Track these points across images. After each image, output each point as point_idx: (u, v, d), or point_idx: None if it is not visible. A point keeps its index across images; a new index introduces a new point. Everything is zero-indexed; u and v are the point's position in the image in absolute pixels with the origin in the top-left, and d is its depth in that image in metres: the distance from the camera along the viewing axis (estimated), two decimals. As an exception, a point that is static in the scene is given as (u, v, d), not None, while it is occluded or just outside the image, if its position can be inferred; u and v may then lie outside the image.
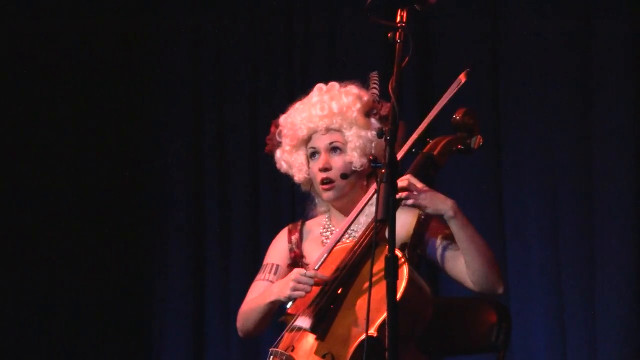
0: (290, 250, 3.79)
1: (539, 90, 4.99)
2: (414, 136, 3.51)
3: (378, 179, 3.05)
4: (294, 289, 3.47)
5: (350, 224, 3.57)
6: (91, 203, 5.81)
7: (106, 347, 5.82)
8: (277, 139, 3.81)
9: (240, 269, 5.69)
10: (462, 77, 3.51)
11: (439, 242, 3.56)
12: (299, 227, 3.82)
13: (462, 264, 3.51)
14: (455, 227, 3.47)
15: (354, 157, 3.67)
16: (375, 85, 3.79)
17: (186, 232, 5.87)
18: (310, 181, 3.79)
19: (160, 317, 5.87)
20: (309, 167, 3.75)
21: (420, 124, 3.52)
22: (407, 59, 3.13)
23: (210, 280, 5.81)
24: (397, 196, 3.20)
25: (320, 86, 3.78)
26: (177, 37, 5.97)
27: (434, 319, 3.47)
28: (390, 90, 3.08)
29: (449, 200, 3.46)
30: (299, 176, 3.78)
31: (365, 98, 3.73)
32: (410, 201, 3.41)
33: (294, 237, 3.80)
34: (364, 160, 3.68)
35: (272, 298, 3.55)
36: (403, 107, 4.87)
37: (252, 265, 5.56)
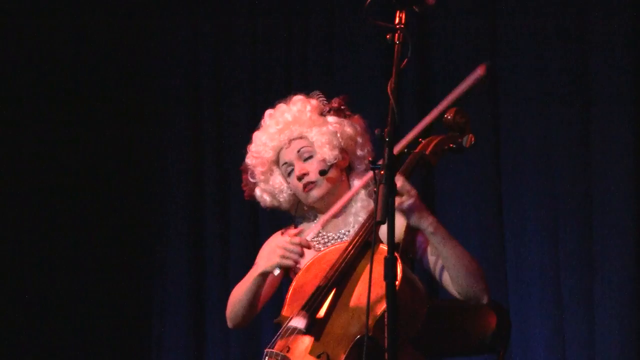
0: None
1: (538, 91, 4.99)
2: (419, 129, 3.51)
3: (377, 180, 3.05)
4: (283, 257, 3.53)
5: (339, 208, 3.61)
6: (91, 203, 5.82)
7: (106, 347, 5.82)
8: (251, 180, 3.84)
9: (239, 270, 5.65)
10: (480, 70, 3.48)
11: (428, 249, 3.58)
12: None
13: (447, 273, 3.53)
14: (435, 242, 3.49)
15: (325, 153, 3.70)
16: (320, 94, 3.83)
17: (186, 233, 5.88)
18: (296, 199, 3.79)
19: (160, 317, 5.87)
20: (288, 184, 3.76)
21: (421, 120, 3.52)
22: (405, 60, 3.13)
23: (210, 280, 5.81)
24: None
25: (269, 112, 3.82)
26: (176, 37, 5.97)
27: (434, 320, 3.48)
28: (389, 92, 3.08)
29: (430, 217, 3.46)
30: (283, 196, 3.80)
31: (314, 101, 3.78)
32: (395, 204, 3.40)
33: None
34: (336, 153, 3.71)
35: (260, 271, 3.61)
36: (402, 109, 4.89)
37: (252, 265, 5.57)
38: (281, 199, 3.81)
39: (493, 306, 3.67)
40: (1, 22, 5.57)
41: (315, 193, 3.71)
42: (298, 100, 3.78)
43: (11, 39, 5.61)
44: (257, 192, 3.85)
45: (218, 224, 5.82)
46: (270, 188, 3.81)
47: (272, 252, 3.57)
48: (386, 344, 2.97)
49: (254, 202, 5.68)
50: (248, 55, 5.82)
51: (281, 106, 3.79)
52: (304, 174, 3.70)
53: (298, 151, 3.72)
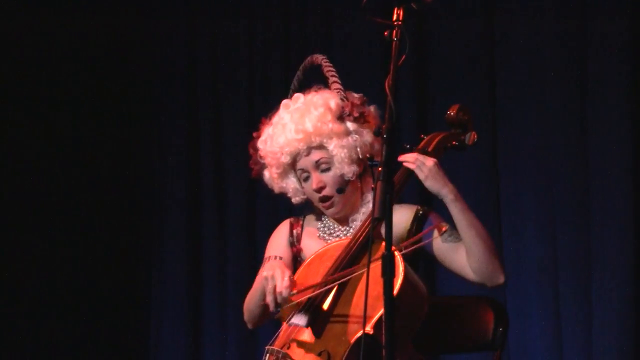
0: (292, 244, 3.78)
1: (536, 90, 4.99)
2: None
3: (375, 177, 3.05)
4: (266, 295, 3.44)
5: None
6: (90, 203, 5.82)
7: (105, 346, 5.82)
8: (260, 160, 3.79)
9: (237, 268, 5.70)
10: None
11: (438, 237, 3.54)
12: (301, 222, 3.82)
13: (463, 254, 3.50)
14: (455, 210, 3.46)
15: (344, 169, 3.66)
16: (331, 72, 3.78)
17: (184, 231, 5.87)
18: (308, 200, 3.79)
19: (158, 315, 5.87)
20: (303, 188, 3.75)
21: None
22: (403, 57, 3.12)
23: (208, 279, 5.81)
24: (405, 164, 3.35)
25: (286, 103, 3.77)
26: (174, 38, 5.97)
27: (431, 317, 3.47)
28: (387, 89, 3.07)
29: (450, 184, 3.46)
30: (295, 199, 3.78)
31: (333, 103, 3.70)
32: (414, 166, 3.42)
33: (296, 232, 3.80)
34: (354, 167, 3.66)
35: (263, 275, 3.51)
36: (399, 106, 4.89)
37: (250, 264, 5.57)
38: (293, 200, 3.80)
39: (490, 303, 3.67)
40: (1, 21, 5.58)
41: (334, 210, 3.70)
42: (319, 104, 3.70)
43: (9, 37, 5.60)
44: (266, 174, 3.80)
45: (215, 222, 5.82)
46: (283, 186, 3.79)
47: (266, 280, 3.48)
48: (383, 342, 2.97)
49: (251, 201, 5.75)
50: (246, 56, 5.82)
51: (298, 101, 3.75)
52: (322, 187, 3.68)
53: (316, 162, 3.68)
